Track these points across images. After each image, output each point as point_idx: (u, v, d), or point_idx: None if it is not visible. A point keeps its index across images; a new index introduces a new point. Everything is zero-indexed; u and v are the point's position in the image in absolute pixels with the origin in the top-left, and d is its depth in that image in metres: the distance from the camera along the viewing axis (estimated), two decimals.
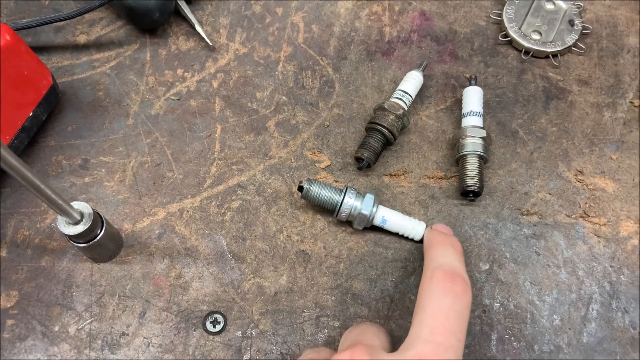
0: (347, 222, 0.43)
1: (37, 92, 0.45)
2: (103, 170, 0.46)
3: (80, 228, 0.37)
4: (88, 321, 0.40)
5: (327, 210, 0.43)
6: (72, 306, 0.40)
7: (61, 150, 0.47)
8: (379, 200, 0.43)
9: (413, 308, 0.40)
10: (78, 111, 0.48)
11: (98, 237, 0.38)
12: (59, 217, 0.37)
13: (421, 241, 0.42)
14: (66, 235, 0.37)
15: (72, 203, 0.37)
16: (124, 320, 0.40)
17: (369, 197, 0.41)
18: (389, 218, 0.42)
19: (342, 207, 0.41)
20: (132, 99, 0.49)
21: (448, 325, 0.30)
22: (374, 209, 0.41)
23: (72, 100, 0.49)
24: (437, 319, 0.30)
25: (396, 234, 0.43)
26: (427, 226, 0.42)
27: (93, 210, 0.38)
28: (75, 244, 0.38)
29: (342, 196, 0.41)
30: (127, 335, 0.39)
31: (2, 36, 0.40)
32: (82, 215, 0.37)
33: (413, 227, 0.42)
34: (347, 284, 0.41)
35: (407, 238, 0.43)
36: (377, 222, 0.42)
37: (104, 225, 0.39)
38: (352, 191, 0.41)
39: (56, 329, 0.40)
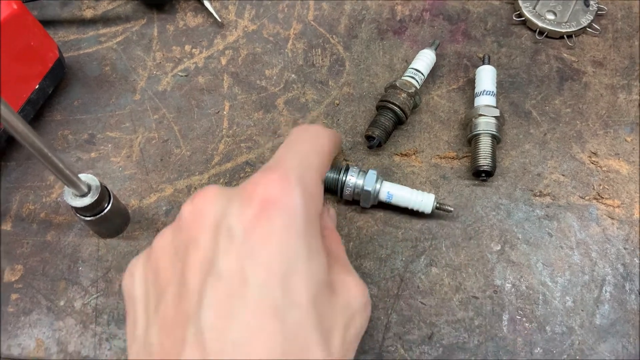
0: (356, 201, 0.43)
1: (44, 64, 0.44)
2: (110, 145, 0.45)
3: (87, 200, 0.36)
4: (94, 296, 0.39)
5: (333, 190, 0.42)
6: (78, 281, 0.40)
7: (67, 125, 0.46)
8: (383, 177, 0.42)
9: (423, 288, 0.39)
10: (84, 86, 0.48)
11: (105, 211, 0.38)
12: (66, 188, 0.36)
13: (432, 215, 0.42)
14: (73, 207, 0.37)
15: (79, 175, 0.36)
16: None
17: (372, 173, 0.40)
18: (395, 192, 0.41)
19: (345, 186, 0.40)
20: (139, 75, 0.48)
21: (293, 154, 0.29)
22: (378, 185, 0.41)
23: (79, 75, 0.48)
24: (286, 151, 0.29)
25: (406, 210, 0.42)
26: (435, 199, 0.41)
27: (100, 183, 0.37)
28: (82, 217, 0.38)
29: (343, 175, 0.40)
30: None
31: (9, 5, 0.39)
32: (89, 187, 0.36)
33: (421, 199, 0.41)
34: (357, 263, 0.41)
35: (417, 213, 0.42)
36: (383, 197, 0.41)
37: (111, 199, 0.38)
38: (354, 169, 0.41)
39: (62, 303, 0.39)
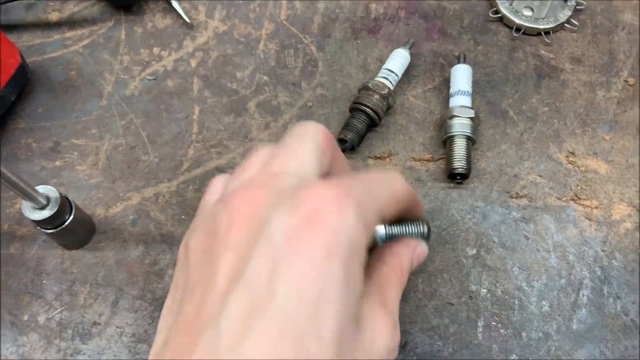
0: None
1: (5, 71, 0.42)
2: (75, 153, 0.44)
3: (46, 213, 0.35)
4: (58, 310, 0.38)
5: None
6: (41, 294, 0.39)
7: (31, 133, 0.45)
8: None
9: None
10: (49, 92, 0.46)
11: (67, 223, 0.37)
12: (23, 202, 0.35)
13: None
14: (32, 221, 0.35)
15: (37, 187, 0.35)
16: (95, 309, 0.38)
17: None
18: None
19: None
20: (106, 79, 0.47)
21: (371, 182, 0.27)
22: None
23: (43, 81, 0.47)
24: (362, 177, 0.27)
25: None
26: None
27: (60, 194, 0.36)
28: (43, 230, 0.36)
29: None
30: (99, 324, 0.38)
31: None
32: (48, 199, 0.35)
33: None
34: None
35: None
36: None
37: (73, 209, 0.37)
38: None
39: (25, 318, 0.38)
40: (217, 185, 0.29)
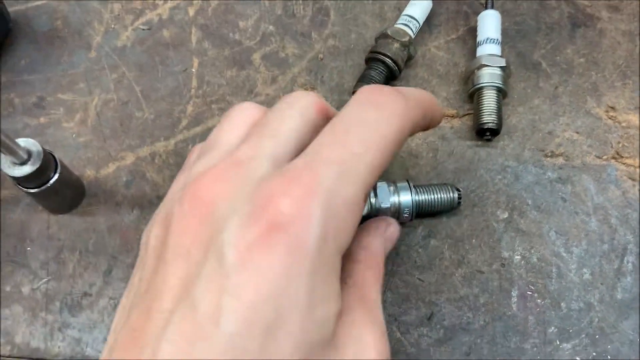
0: None
1: None
2: (61, 109, 0.39)
3: (27, 169, 0.31)
4: (44, 280, 0.34)
5: None
6: (25, 263, 0.35)
7: (13, 87, 0.40)
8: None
9: (421, 263, 0.35)
10: (32, 43, 0.42)
11: (51, 181, 0.33)
12: (2, 156, 0.31)
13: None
14: (12, 178, 0.31)
15: (18, 140, 0.31)
16: (86, 279, 0.34)
17: (384, 187, 0.34)
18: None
19: None
20: (95, 29, 0.42)
21: (345, 137, 0.21)
22: (395, 198, 0.34)
23: (26, 31, 0.42)
24: (334, 133, 0.21)
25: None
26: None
27: (44, 149, 0.32)
28: (24, 189, 0.32)
29: None
30: (90, 295, 0.34)
31: None
32: (29, 154, 0.31)
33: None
34: None
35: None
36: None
37: (59, 167, 0.33)
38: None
39: (8, 289, 0.34)
40: (194, 158, 0.26)
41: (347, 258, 0.25)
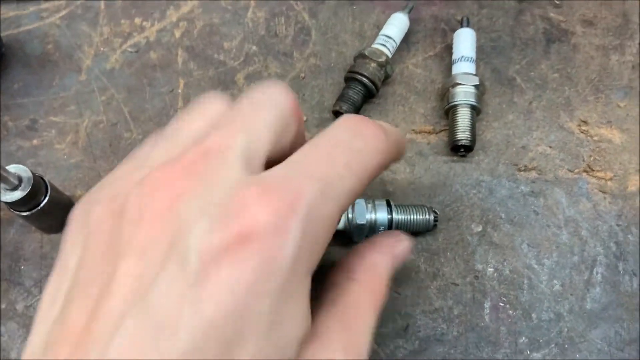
0: None
1: None
2: (53, 131, 0.41)
3: (18, 194, 0.32)
4: (37, 297, 0.36)
5: None
6: (20, 281, 0.36)
7: (7, 110, 0.42)
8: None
9: (398, 276, 0.36)
10: (25, 67, 0.44)
11: (42, 204, 0.34)
12: None
13: (407, 197, 0.38)
14: (4, 203, 0.33)
15: (8, 167, 0.32)
16: None
17: (360, 203, 0.35)
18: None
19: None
20: (85, 52, 0.44)
21: (332, 157, 0.20)
22: (372, 216, 0.35)
23: (19, 55, 0.44)
24: (319, 150, 0.20)
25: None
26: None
27: (34, 174, 0.33)
28: (17, 212, 0.34)
29: None
30: None
31: None
32: (20, 179, 0.33)
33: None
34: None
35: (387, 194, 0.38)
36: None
37: (49, 190, 0.35)
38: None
39: (3, 306, 0.36)
40: (148, 148, 0.23)
41: (344, 274, 0.24)
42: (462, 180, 0.39)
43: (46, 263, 0.37)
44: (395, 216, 0.35)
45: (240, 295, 0.17)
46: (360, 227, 0.35)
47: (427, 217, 0.36)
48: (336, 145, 0.21)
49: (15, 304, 0.36)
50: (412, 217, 0.36)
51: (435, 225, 0.36)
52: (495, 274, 0.36)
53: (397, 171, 0.40)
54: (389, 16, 0.44)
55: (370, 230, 0.35)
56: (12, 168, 0.33)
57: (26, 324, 0.35)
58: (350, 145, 0.21)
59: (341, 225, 0.36)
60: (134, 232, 0.18)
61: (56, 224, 0.37)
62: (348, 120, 0.22)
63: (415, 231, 0.36)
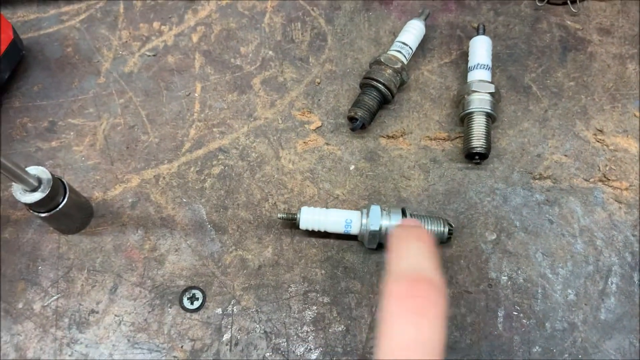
0: (338, 188, 0.39)
1: None
2: (72, 133, 0.42)
3: (37, 195, 0.33)
4: (54, 297, 0.36)
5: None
6: (37, 281, 0.37)
7: (26, 112, 0.43)
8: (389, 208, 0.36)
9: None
10: (45, 69, 0.44)
11: (60, 206, 0.35)
12: (14, 184, 0.33)
13: (421, 204, 0.38)
14: (24, 204, 0.33)
15: (28, 168, 0.33)
16: (93, 297, 0.36)
17: (375, 209, 0.35)
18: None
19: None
20: (104, 56, 0.45)
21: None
22: (385, 222, 0.35)
23: (39, 58, 0.45)
24: (398, 356, 0.25)
25: None
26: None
27: (53, 175, 0.34)
28: (36, 213, 0.35)
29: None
30: (97, 312, 0.36)
31: None
32: (39, 181, 0.33)
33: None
34: (339, 256, 0.37)
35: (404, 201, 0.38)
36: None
37: (67, 192, 0.35)
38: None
39: (20, 306, 0.36)
40: None
41: None
42: (477, 187, 0.39)
43: (62, 263, 0.37)
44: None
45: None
46: (374, 233, 0.35)
47: (442, 229, 0.36)
48: (405, 346, 0.25)
49: (33, 303, 0.36)
50: (426, 227, 0.36)
51: (449, 238, 0.36)
52: (509, 283, 0.36)
53: (412, 177, 0.40)
54: (404, 22, 0.44)
55: (384, 236, 0.35)
56: (32, 170, 0.33)
57: (43, 324, 0.36)
58: (417, 340, 0.26)
59: (355, 230, 0.36)
60: None
61: (73, 225, 0.38)
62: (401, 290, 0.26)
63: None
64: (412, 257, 0.27)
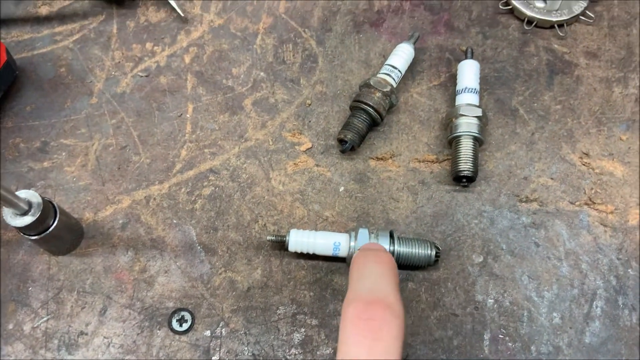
0: (327, 209, 0.40)
1: None
2: (64, 154, 0.42)
3: (28, 219, 0.33)
4: (44, 319, 0.37)
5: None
6: (27, 302, 0.37)
7: (19, 132, 0.43)
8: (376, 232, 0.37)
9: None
10: (38, 89, 0.45)
11: (51, 228, 0.35)
12: (4, 208, 0.33)
13: (409, 225, 0.39)
14: (14, 227, 0.34)
15: (18, 192, 0.33)
16: (82, 318, 0.37)
17: (363, 233, 0.36)
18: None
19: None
20: (97, 76, 0.45)
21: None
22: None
23: (32, 78, 0.45)
24: None
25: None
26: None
27: (43, 198, 0.34)
28: (26, 236, 0.35)
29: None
30: (86, 334, 0.36)
31: None
32: (30, 205, 0.34)
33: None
34: (327, 278, 0.38)
35: (393, 223, 0.39)
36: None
37: (58, 214, 0.35)
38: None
39: (10, 327, 0.36)
40: None
41: None
42: (464, 210, 0.40)
43: (53, 285, 0.38)
44: (397, 248, 0.36)
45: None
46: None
47: (429, 252, 0.36)
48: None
49: (23, 324, 0.36)
50: (413, 250, 0.36)
51: (436, 261, 0.37)
52: (496, 305, 0.37)
53: (400, 199, 0.40)
54: (394, 45, 0.45)
55: None
56: (22, 193, 0.34)
57: (32, 345, 0.36)
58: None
59: (344, 252, 0.36)
60: None
61: (63, 247, 0.38)
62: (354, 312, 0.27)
63: (416, 265, 0.37)
64: (369, 279, 0.27)
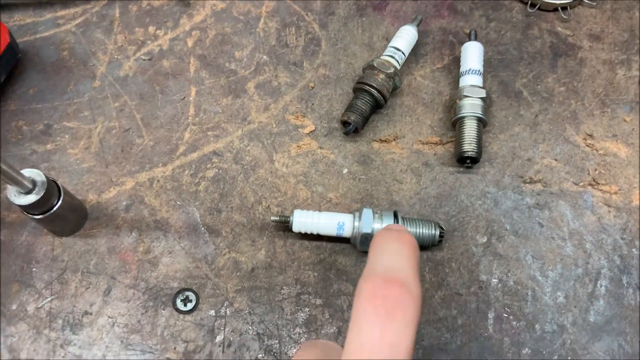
0: (331, 191, 0.40)
1: None
2: (67, 136, 0.42)
3: (32, 198, 0.33)
4: (48, 299, 0.37)
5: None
6: (31, 283, 0.37)
7: (22, 115, 0.43)
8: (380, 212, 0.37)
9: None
10: (40, 73, 0.45)
11: (55, 208, 0.35)
12: (9, 186, 0.33)
13: (413, 206, 0.39)
14: (18, 206, 0.34)
15: (23, 171, 0.33)
16: (87, 298, 0.37)
17: (367, 213, 0.36)
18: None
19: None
20: (99, 59, 0.45)
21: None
22: (377, 225, 0.36)
23: (35, 61, 0.45)
24: (359, 356, 0.24)
25: None
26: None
27: (47, 178, 0.34)
28: (30, 215, 0.35)
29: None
30: (90, 314, 0.36)
31: None
32: (34, 183, 0.33)
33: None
34: (331, 259, 0.38)
35: (395, 204, 0.39)
36: None
37: (62, 194, 0.35)
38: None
39: (14, 307, 0.36)
40: None
41: None
42: (468, 191, 0.40)
43: (56, 265, 0.38)
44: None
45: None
46: (366, 235, 0.35)
47: (433, 232, 0.36)
48: (370, 349, 0.24)
49: (27, 305, 0.36)
50: (418, 230, 0.36)
51: (440, 241, 0.37)
52: (500, 285, 0.37)
53: (404, 181, 0.40)
54: (397, 28, 0.45)
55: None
56: (27, 172, 0.33)
57: (36, 326, 0.36)
58: (384, 343, 0.24)
59: (348, 232, 0.36)
60: None
61: (67, 228, 0.38)
62: (371, 289, 0.25)
63: (421, 244, 0.36)
64: (389, 257, 0.26)
